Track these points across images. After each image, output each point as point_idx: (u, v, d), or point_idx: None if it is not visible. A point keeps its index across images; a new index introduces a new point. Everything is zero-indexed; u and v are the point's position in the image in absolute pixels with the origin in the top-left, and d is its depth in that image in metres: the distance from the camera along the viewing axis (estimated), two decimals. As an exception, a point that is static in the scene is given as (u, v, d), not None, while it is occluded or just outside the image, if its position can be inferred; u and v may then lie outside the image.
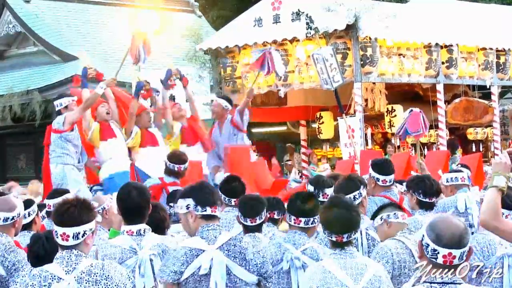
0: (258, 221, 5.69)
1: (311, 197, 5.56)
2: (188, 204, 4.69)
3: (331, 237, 4.67)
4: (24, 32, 23.47)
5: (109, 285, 4.08)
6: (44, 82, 22.05)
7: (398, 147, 17.45)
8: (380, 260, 5.16)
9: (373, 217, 5.58)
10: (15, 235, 5.86)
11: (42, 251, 4.92)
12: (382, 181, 7.09)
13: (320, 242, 5.48)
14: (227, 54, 15.53)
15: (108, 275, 4.09)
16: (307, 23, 13.07)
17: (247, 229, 5.66)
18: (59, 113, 9.90)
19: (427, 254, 3.51)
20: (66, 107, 9.82)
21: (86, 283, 4.05)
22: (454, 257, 3.48)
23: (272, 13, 14.70)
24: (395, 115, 16.58)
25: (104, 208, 6.42)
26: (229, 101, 11.06)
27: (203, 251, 4.56)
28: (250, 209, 5.69)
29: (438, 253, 3.48)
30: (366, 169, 7.57)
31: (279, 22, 14.59)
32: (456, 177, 7.56)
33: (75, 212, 4.14)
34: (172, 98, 12.18)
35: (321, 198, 6.21)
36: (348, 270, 4.57)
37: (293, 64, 14.52)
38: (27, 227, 6.38)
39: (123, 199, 5.16)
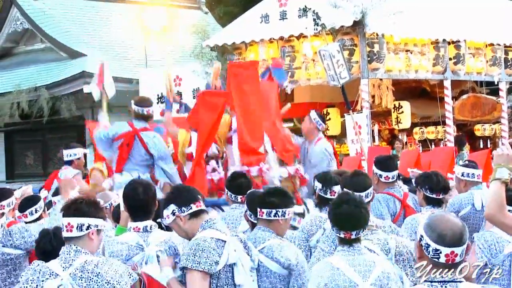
0: None
1: (278, 190, 5.55)
2: (173, 210, 4.69)
3: (340, 234, 4.67)
4: (31, 29, 23.50)
5: (99, 282, 4.09)
6: (52, 79, 22.10)
7: (406, 143, 17.43)
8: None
9: None
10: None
11: (49, 246, 4.96)
12: (385, 177, 7.14)
13: (326, 239, 5.47)
14: (234, 51, 15.52)
15: (99, 273, 4.11)
16: (314, 20, 13.03)
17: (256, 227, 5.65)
18: (68, 163, 9.74)
19: (428, 254, 3.50)
20: (78, 158, 9.70)
21: (79, 279, 4.09)
22: (456, 255, 3.48)
23: (278, 9, 14.68)
24: (402, 112, 16.57)
25: (111, 204, 6.43)
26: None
27: (225, 241, 4.57)
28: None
29: (441, 252, 3.48)
30: (374, 166, 7.57)
31: (286, 18, 14.57)
32: (472, 174, 7.50)
33: (82, 205, 4.24)
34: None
35: (328, 195, 6.22)
36: (357, 267, 4.57)
37: (300, 61, 14.50)
38: (34, 222, 6.41)
39: (129, 196, 5.15)
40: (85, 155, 10.02)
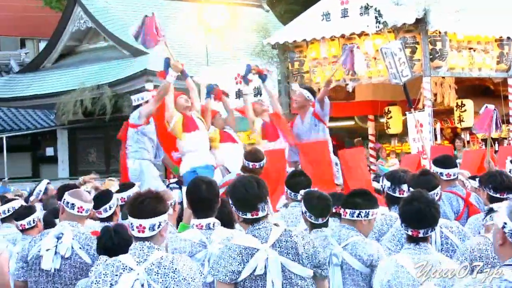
0: (327, 218, 5.67)
1: (362, 191, 5.57)
2: (232, 206, 4.60)
3: (408, 231, 4.66)
4: (94, 27, 23.86)
5: (176, 278, 4.08)
6: (114, 76, 22.39)
7: (468, 142, 17.22)
8: (460, 257, 5.11)
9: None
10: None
11: (110, 243, 5.00)
12: (446, 175, 7.04)
13: (393, 238, 5.45)
14: (295, 49, 15.53)
15: (176, 269, 4.09)
16: (375, 17, 12.99)
17: (315, 226, 5.62)
18: (136, 107, 9.71)
19: None
20: (146, 101, 9.61)
21: (155, 275, 4.07)
22: None
23: (340, 7, 14.64)
24: (465, 110, 16.37)
25: (175, 202, 6.47)
26: (312, 92, 10.86)
27: (257, 250, 4.42)
28: (320, 210, 5.61)
29: None
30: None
31: (347, 16, 14.52)
32: None
33: (150, 204, 4.17)
34: (259, 92, 12.34)
35: (397, 194, 6.19)
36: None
37: (362, 59, 14.44)
38: (108, 219, 6.40)
39: (192, 193, 5.14)
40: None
